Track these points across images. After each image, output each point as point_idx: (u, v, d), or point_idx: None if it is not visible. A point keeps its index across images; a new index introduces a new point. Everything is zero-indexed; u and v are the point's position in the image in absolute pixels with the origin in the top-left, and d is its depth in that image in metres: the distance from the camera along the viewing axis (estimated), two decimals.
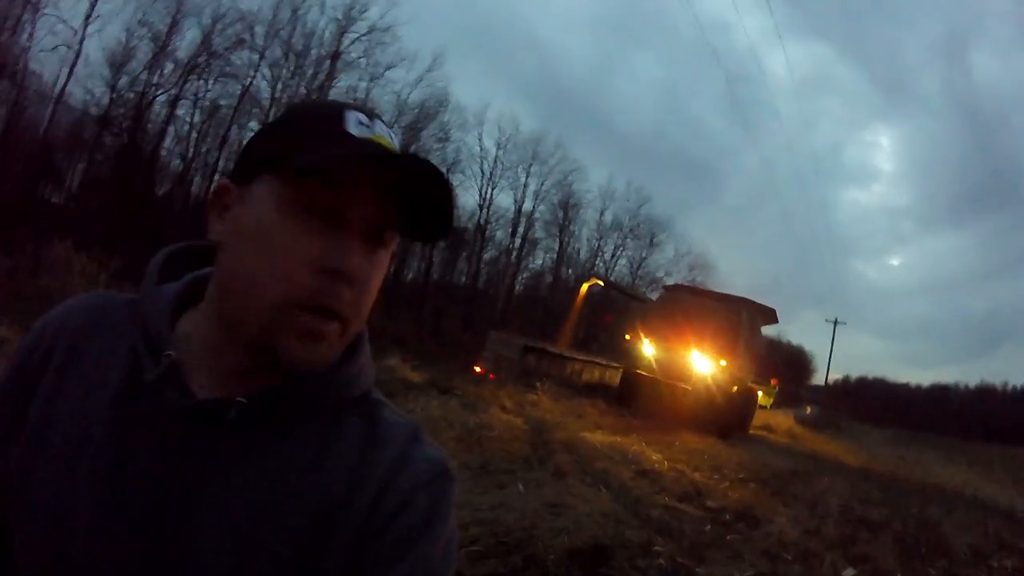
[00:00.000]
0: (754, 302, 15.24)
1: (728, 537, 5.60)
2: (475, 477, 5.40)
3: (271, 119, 0.65)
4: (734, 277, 63.82)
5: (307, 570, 0.56)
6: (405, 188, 0.57)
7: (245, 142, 0.63)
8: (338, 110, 0.59)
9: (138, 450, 0.56)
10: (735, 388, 13.51)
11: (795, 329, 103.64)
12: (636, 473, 7.17)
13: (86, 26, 18.51)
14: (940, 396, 59.22)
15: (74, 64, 18.50)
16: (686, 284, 21.40)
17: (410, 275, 27.05)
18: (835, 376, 62.10)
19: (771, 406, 22.72)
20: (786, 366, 44.14)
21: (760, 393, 17.42)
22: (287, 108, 0.63)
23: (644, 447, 8.62)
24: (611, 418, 11.00)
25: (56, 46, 18.05)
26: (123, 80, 19.61)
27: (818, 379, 49.06)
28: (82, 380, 0.60)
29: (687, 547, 5.00)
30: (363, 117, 0.59)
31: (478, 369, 12.62)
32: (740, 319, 13.72)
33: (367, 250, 0.58)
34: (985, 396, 55.53)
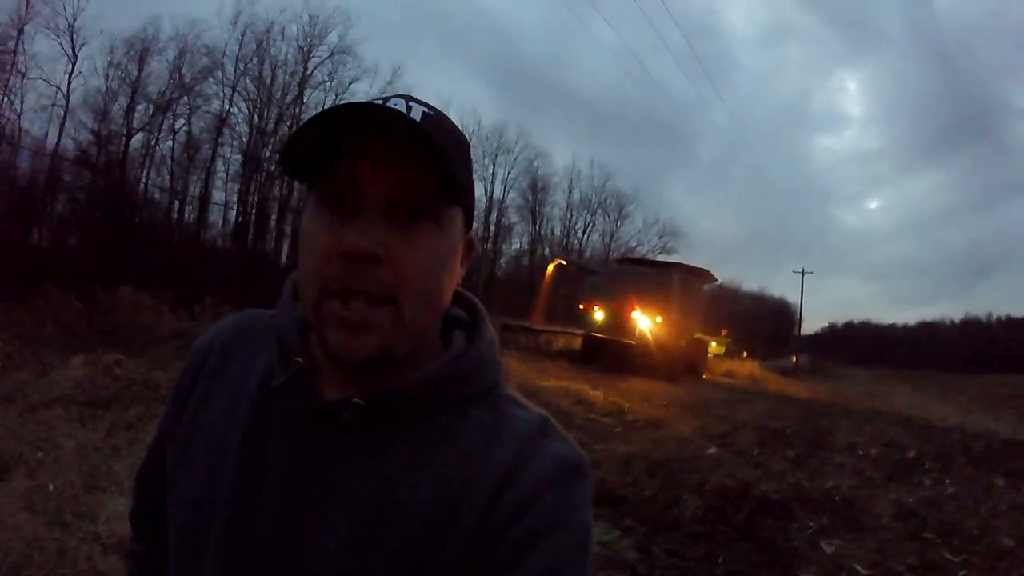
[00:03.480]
0: (687, 265, 18.04)
1: (630, 435, 7.71)
2: None
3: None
4: (711, 238, 65.36)
5: (423, 573, 0.55)
6: (416, 152, 0.54)
7: None
8: (367, 103, 0.56)
9: (268, 451, 0.60)
10: (682, 341, 16.02)
11: (780, 283, 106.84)
12: (575, 402, 9.16)
13: (70, 82, 20.38)
14: (927, 333, 61.00)
15: (64, 118, 20.35)
16: (627, 257, 24.26)
17: None
18: (822, 324, 64.74)
19: (745, 355, 25.08)
20: (771, 319, 46.72)
21: (713, 343, 20.16)
22: None
23: (589, 388, 10.63)
24: (570, 372, 13.18)
25: (46, 106, 20.01)
26: (105, 124, 21.26)
27: (807, 329, 51.35)
28: (226, 389, 0.66)
29: (594, 437, 7.13)
30: (379, 102, 0.56)
31: None
32: (671, 281, 16.39)
33: (396, 224, 0.56)
34: (970, 329, 57.38)
